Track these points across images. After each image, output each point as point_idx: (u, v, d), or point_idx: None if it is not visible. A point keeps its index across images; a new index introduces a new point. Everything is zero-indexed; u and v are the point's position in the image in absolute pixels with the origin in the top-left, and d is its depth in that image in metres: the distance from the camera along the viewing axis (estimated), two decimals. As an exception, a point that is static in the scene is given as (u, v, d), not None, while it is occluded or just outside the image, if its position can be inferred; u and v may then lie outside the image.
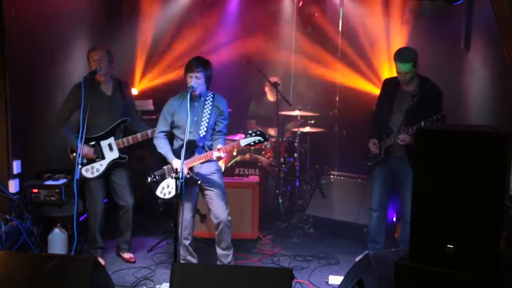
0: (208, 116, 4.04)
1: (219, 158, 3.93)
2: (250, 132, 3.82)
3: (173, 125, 4.10)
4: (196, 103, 4.05)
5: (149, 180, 4.10)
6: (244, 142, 3.81)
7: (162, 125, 4.10)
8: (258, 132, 3.79)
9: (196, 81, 3.92)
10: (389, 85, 4.49)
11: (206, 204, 4.22)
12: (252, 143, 3.80)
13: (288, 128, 6.52)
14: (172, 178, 3.86)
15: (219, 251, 4.19)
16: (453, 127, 2.73)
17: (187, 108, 3.74)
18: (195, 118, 4.03)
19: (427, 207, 2.61)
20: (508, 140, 2.41)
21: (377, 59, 6.39)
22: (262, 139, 3.78)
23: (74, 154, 4.29)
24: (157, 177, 4.08)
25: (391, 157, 4.44)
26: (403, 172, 4.37)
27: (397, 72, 4.28)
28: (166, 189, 4.04)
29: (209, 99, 4.08)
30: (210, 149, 4.08)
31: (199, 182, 4.04)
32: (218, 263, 4.20)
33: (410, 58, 4.18)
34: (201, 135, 4.04)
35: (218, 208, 4.09)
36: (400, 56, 4.23)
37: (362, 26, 6.51)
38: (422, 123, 4.00)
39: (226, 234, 4.12)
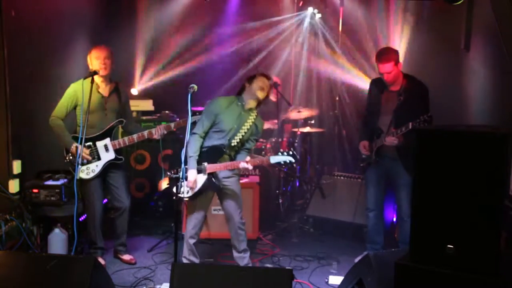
0: (246, 130, 4.06)
1: (244, 169, 3.94)
2: (282, 151, 3.88)
3: (212, 125, 4.04)
4: (243, 113, 4.07)
5: (168, 175, 4.07)
6: (274, 159, 3.85)
7: (204, 125, 4.01)
8: (291, 154, 3.82)
9: (263, 92, 3.99)
10: (376, 86, 4.53)
11: (213, 204, 4.26)
12: (282, 162, 3.84)
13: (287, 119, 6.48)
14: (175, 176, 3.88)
15: (234, 253, 4.22)
16: (453, 127, 2.73)
17: (188, 108, 3.70)
18: (235, 126, 4.03)
19: (427, 207, 2.61)
20: (508, 140, 2.41)
21: (377, 58, 6.38)
22: (294, 160, 3.82)
23: (70, 156, 4.28)
24: (176, 174, 4.05)
25: (384, 157, 4.45)
26: (396, 171, 4.39)
27: (379, 73, 4.33)
28: (185, 187, 4.04)
29: (252, 116, 4.10)
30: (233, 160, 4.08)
31: (220, 187, 4.06)
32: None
33: (390, 57, 4.22)
34: (232, 144, 4.04)
35: (232, 212, 4.12)
36: (381, 56, 4.28)
37: (362, 25, 6.51)
38: (410, 125, 4.02)
39: (240, 236, 4.15)
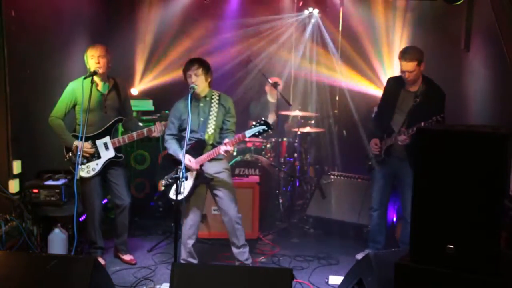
0: (215, 115, 4.07)
1: (227, 152, 3.93)
2: (254, 123, 3.85)
3: (181, 128, 4.13)
4: (201, 104, 4.09)
5: (163, 183, 4.11)
6: (249, 132, 3.84)
7: (171, 129, 4.17)
8: (262, 122, 3.80)
9: (196, 78, 3.96)
10: (393, 84, 4.49)
11: (213, 204, 4.27)
12: (256, 133, 3.82)
13: (287, 128, 6.51)
14: (173, 179, 3.90)
15: (234, 249, 4.23)
16: (453, 127, 2.73)
17: (188, 108, 3.77)
18: (202, 119, 4.06)
19: (427, 207, 2.61)
20: (508, 140, 2.41)
21: (377, 59, 6.39)
22: (266, 128, 3.79)
23: (70, 154, 4.28)
24: (169, 180, 4.09)
25: (392, 156, 4.44)
26: (404, 171, 4.37)
27: (401, 71, 4.28)
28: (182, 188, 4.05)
29: (215, 98, 4.11)
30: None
31: (212, 179, 4.06)
32: (237, 263, 4.23)
33: (415, 57, 4.18)
34: (210, 133, 4.07)
35: (227, 207, 4.12)
36: (405, 54, 4.22)
37: (362, 26, 6.51)
38: (422, 124, 4.01)
39: (238, 231, 4.16)
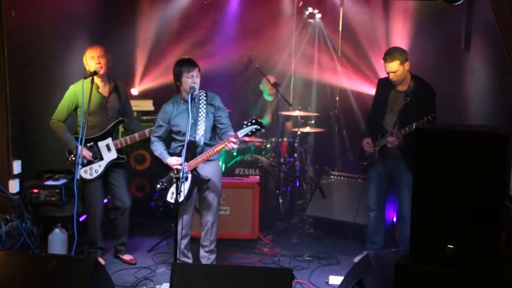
0: (204, 115, 4.03)
1: (232, 148, 3.84)
2: (245, 122, 3.80)
3: (171, 130, 4.10)
4: (191, 106, 4.05)
5: (158, 187, 4.09)
6: (241, 133, 3.79)
7: (159, 131, 4.11)
8: (254, 121, 3.77)
9: (197, 80, 3.94)
10: (383, 85, 4.53)
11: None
12: (249, 133, 3.78)
13: (287, 126, 6.51)
14: (173, 177, 3.89)
15: (201, 252, 4.21)
16: (453, 127, 2.73)
17: (189, 110, 3.77)
18: (192, 121, 4.02)
19: (427, 207, 2.61)
20: (508, 140, 2.41)
21: (377, 59, 6.38)
22: (259, 127, 3.76)
23: (72, 157, 4.28)
24: (165, 183, 4.07)
25: (387, 156, 4.45)
26: (399, 171, 4.39)
27: (386, 72, 4.32)
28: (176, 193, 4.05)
29: (202, 98, 4.07)
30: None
31: (208, 180, 4.03)
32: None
33: (396, 57, 4.22)
34: (200, 135, 4.04)
35: (210, 210, 4.12)
36: (387, 55, 4.28)
37: (362, 26, 6.51)
38: (414, 125, 4.03)
39: (212, 236, 4.15)
